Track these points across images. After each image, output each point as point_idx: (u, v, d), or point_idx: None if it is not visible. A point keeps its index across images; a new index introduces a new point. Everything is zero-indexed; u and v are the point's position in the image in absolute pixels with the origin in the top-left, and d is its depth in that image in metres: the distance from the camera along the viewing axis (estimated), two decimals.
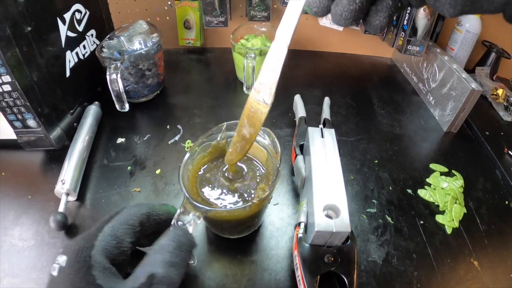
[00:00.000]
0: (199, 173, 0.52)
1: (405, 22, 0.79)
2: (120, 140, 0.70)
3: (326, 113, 0.66)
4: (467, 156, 0.70)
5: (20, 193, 0.59)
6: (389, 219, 0.57)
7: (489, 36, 0.89)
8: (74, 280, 0.25)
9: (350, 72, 0.94)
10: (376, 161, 0.67)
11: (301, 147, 0.59)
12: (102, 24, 0.80)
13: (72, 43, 0.69)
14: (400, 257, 0.52)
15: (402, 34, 0.81)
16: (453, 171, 0.65)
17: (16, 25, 0.53)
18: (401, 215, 0.58)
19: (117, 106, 0.69)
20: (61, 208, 0.54)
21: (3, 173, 0.63)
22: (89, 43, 0.75)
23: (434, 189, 0.62)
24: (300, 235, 0.47)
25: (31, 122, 0.61)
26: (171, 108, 0.79)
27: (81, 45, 0.71)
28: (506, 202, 0.61)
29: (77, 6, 0.69)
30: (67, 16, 0.66)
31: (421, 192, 0.62)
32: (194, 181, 0.51)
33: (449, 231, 0.56)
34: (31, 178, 0.62)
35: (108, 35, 0.74)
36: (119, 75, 0.65)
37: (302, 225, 0.47)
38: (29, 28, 0.56)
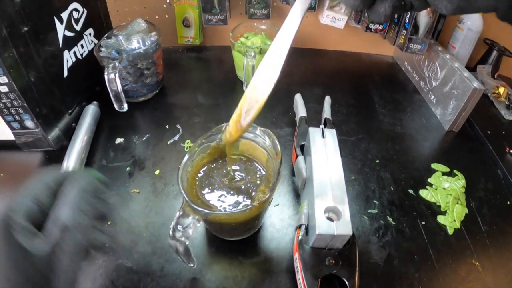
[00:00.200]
0: (199, 175, 0.52)
1: (407, 20, 0.78)
2: (119, 140, 0.70)
3: (327, 113, 0.65)
4: (468, 156, 0.69)
5: None
6: (391, 220, 0.57)
7: (490, 34, 0.88)
8: None
9: (351, 71, 0.94)
10: (377, 161, 0.66)
11: (302, 148, 0.59)
12: (100, 23, 0.80)
13: (70, 43, 0.68)
14: (401, 259, 0.52)
15: (404, 32, 0.80)
16: (454, 171, 0.65)
17: (12, 25, 0.53)
18: (403, 215, 0.58)
19: (116, 106, 0.69)
20: None
21: (1, 174, 0.62)
22: (87, 42, 0.74)
23: (436, 189, 0.61)
24: (300, 237, 0.46)
25: (29, 123, 0.60)
26: (170, 107, 0.79)
27: (78, 45, 0.71)
28: (508, 202, 0.61)
29: (75, 5, 0.68)
30: (65, 15, 0.65)
31: (423, 193, 0.61)
32: (193, 183, 0.50)
33: (450, 231, 0.56)
34: None
35: (106, 34, 0.73)
36: (117, 75, 0.65)
37: (303, 228, 0.47)
38: (26, 28, 0.55)
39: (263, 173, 0.52)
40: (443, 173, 0.65)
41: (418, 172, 0.65)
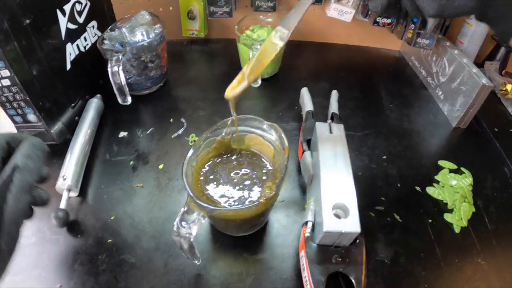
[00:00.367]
0: (204, 169, 0.51)
1: None
2: (122, 134, 0.69)
3: (333, 107, 0.64)
4: (475, 153, 0.68)
5: None
6: (397, 217, 0.56)
7: None
8: None
9: (358, 65, 0.92)
10: (384, 157, 0.65)
11: (308, 142, 0.58)
12: (103, 15, 0.79)
13: (73, 35, 0.67)
14: (408, 257, 0.51)
15: (412, 27, 0.79)
16: (461, 168, 0.64)
17: (14, 18, 0.52)
18: (409, 213, 0.57)
19: (119, 99, 0.68)
20: (62, 205, 0.53)
21: None
22: (90, 35, 0.73)
23: (443, 186, 0.61)
24: (307, 234, 0.46)
25: (32, 117, 0.60)
26: (174, 100, 0.78)
27: (82, 37, 0.70)
28: None
29: None
30: (67, 7, 0.64)
31: (430, 190, 0.60)
32: (198, 178, 0.50)
33: (457, 230, 0.55)
34: None
35: (110, 27, 0.72)
36: (121, 67, 0.64)
37: (310, 224, 0.46)
38: (27, 21, 0.55)
39: (270, 168, 0.51)
40: (450, 170, 0.64)
41: (425, 169, 0.64)
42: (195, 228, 0.40)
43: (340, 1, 0.82)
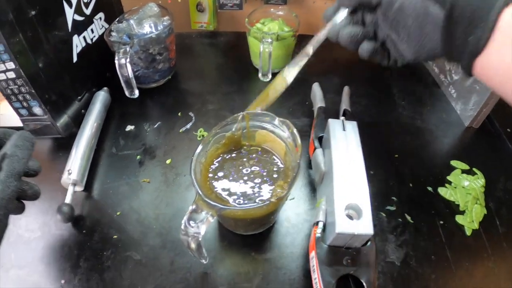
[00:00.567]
0: (212, 166, 0.50)
1: None
2: (129, 127, 0.68)
3: (345, 104, 0.63)
4: (488, 154, 0.67)
5: None
6: (409, 218, 0.55)
7: None
8: None
9: (369, 60, 0.91)
10: (397, 155, 0.64)
11: (320, 139, 0.57)
12: (110, 6, 0.77)
13: (80, 27, 0.66)
14: (418, 259, 0.50)
15: None
16: (474, 169, 0.62)
17: (19, 9, 0.51)
18: (421, 214, 0.56)
19: (126, 92, 0.67)
20: (67, 200, 0.53)
21: None
22: (97, 27, 0.72)
23: (455, 187, 0.59)
24: (318, 235, 0.45)
25: (37, 110, 0.59)
26: (182, 94, 0.76)
27: (88, 29, 0.69)
28: None
29: None
30: None
31: (442, 190, 0.59)
32: (206, 175, 0.49)
33: (468, 232, 0.54)
34: None
35: (117, 18, 0.71)
36: (128, 60, 0.63)
37: (321, 225, 0.45)
38: (33, 12, 0.53)
39: (281, 166, 0.50)
40: (463, 171, 0.62)
41: (437, 169, 0.62)
42: (203, 227, 0.39)
43: None
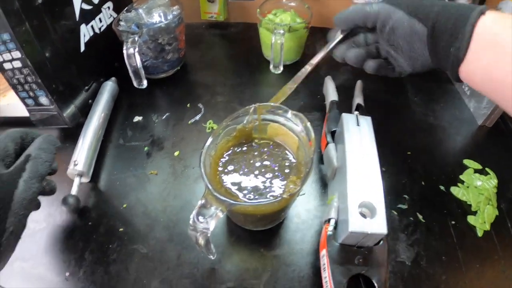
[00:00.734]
0: (222, 159, 0.49)
1: None
2: (137, 118, 0.67)
3: (359, 98, 0.61)
4: (500, 153, 0.65)
5: None
6: (420, 217, 0.54)
7: None
8: None
9: None
10: (409, 153, 0.62)
11: (333, 134, 0.55)
12: None
13: (87, 16, 0.65)
14: (429, 259, 0.49)
15: None
16: (486, 168, 0.61)
17: None
18: (433, 213, 0.54)
19: (135, 83, 0.66)
20: (73, 191, 0.52)
21: None
22: (106, 16, 0.71)
23: (467, 187, 0.58)
24: (329, 232, 0.44)
25: (43, 100, 0.58)
26: (192, 85, 0.75)
27: (96, 18, 0.68)
28: None
29: None
30: None
31: (454, 190, 0.58)
32: (216, 168, 0.48)
33: (480, 233, 0.53)
34: None
35: (126, 8, 0.70)
36: (137, 50, 0.62)
37: (332, 222, 0.44)
38: (40, 1, 0.52)
39: (293, 161, 0.49)
40: (475, 170, 0.61)
41: (450, 167, 0.61)
42: (212, 222, 0.38)
43: None
